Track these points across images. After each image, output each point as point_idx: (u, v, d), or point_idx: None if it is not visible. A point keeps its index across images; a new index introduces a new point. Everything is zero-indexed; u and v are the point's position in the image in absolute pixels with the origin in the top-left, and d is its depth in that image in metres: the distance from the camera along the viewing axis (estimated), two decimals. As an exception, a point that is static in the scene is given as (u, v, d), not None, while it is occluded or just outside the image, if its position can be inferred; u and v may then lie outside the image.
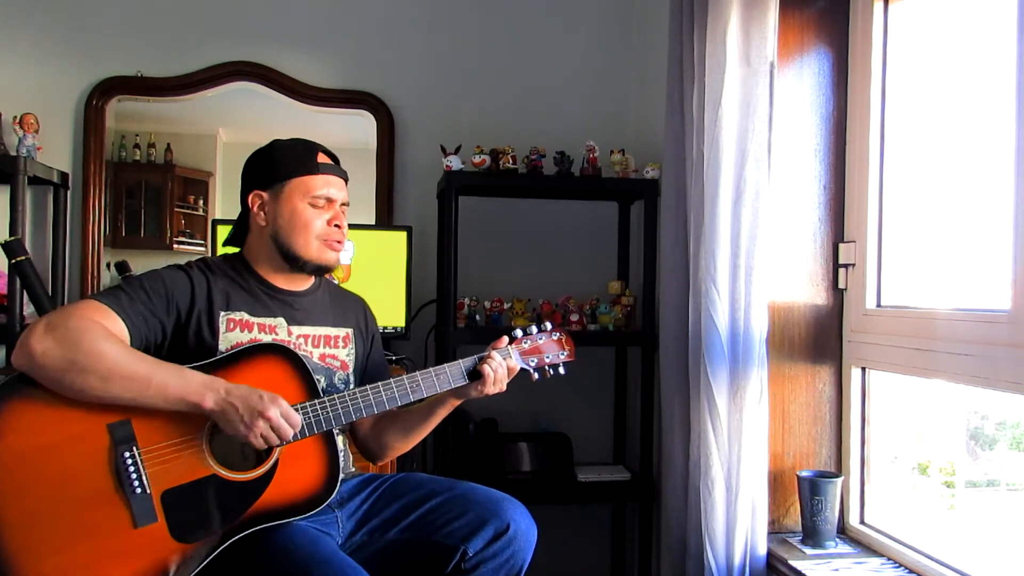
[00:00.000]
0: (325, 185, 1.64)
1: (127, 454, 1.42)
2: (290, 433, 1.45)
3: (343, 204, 1.69)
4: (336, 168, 1.69)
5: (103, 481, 1.41)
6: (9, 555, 1.35)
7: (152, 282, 1.55)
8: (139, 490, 1.41)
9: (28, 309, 2.40)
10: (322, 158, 1.67)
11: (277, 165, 1.65)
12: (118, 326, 1.45)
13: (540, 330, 1.75)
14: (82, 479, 1.40)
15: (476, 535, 1.59)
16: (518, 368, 1.70)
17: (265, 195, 1.64)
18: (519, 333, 1.73)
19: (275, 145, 1.69)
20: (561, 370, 1.76)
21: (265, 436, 1.43)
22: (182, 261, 1.66)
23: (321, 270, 1.68)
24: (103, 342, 1.39)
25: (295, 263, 1.65)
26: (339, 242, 1.67)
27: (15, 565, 1.35)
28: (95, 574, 1.39)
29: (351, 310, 1.80)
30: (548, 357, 1.74)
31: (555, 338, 1.76)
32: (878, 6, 2.06)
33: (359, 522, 1.66)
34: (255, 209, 1.65)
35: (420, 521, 1.63)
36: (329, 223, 1.65)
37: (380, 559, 1.61)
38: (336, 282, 2.03)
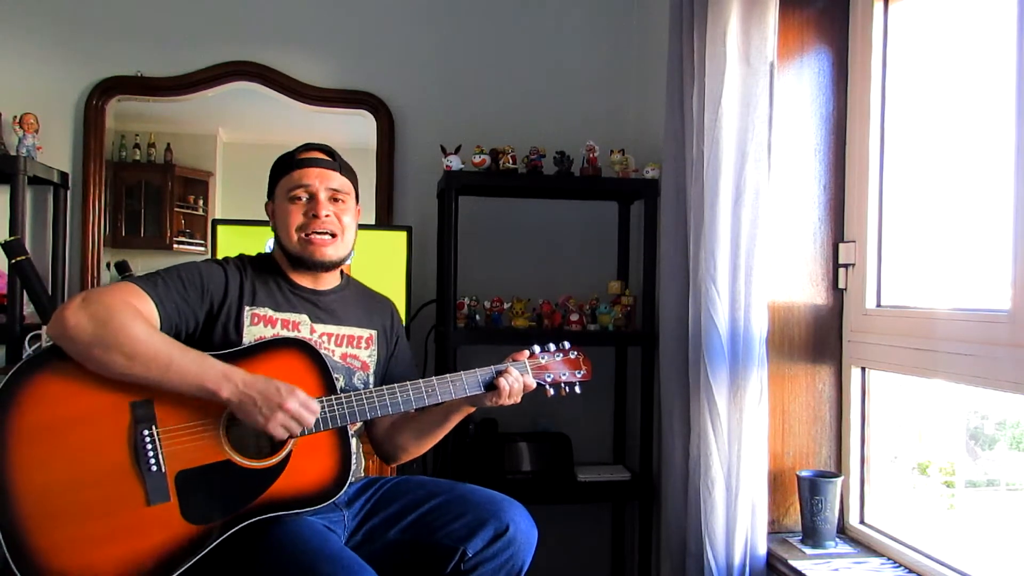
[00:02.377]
0: (300, 177, 1.67)
1: (146, 432, 1.45)
2: (311, 421, 1.49)
3: (332, 191, 1.69)
4: (317, 160, 1.70)
5: (121, 457, 1.44)
6: (23, 523, 1.38)
7: (189, 272, 1.60)
8: (155, 468, 1.45)
9: (28, 309, 2.40)
10: (304, 153, 1.71)
11: (273, 172, 1.74)
12: (151, 310, 1.50)
13: (559, 348, 1.77)
14: (101, 454, 1.44)
15: (475, 535, 1.59)
16: (534, 385, 1.72)
17: (271, 204, 1.74)
18: (537, 348, 1.75)
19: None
20: (577, 389, 1.78)
21: (285, 426, 1.47)
22: (182, 261, 1.68)
23: (316, 266, 1.69)
24: (132, 322, 1.43)
25: (294, 260, 1.70)
26: (318, 233, 1.66)
27: (28, 534, 1.38)
28: (106, 548, 1.41)
29: (377, 312, 1.82)
30: (565, 375, 1.76)
31: (572, 357, 1.78)
32: (878, 6, 2.06)
33: (360, 522, 1.68)
34: (269, 218, 1.75)
35: (420, 521, 1.64)
36: (305, 215, 1.66)
37: (380, 559, 1.61)
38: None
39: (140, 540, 1.43)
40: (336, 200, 1.70)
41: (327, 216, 1.67)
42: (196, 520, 1.46)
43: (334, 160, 1.72)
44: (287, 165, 1.70)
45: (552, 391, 1.76)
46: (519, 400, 1.69)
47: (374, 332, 1.78)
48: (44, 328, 1.47)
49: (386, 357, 1.81)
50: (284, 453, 1.53)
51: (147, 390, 1.46)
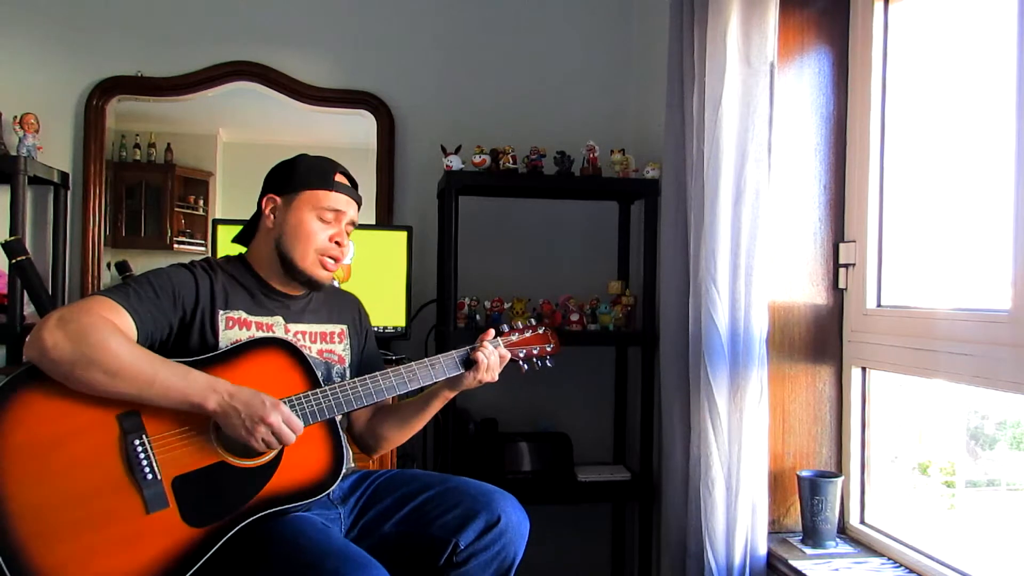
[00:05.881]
0: (336, 200, 1.69)
1: (137, 442, 1.45)
2: (292, 438, 1.50)
3: (350, 223, 1.73)
4: (351, 191, 1.74)
5: (114, 469, 1.43)
6: (22, 543, 1.37)
7: (159, 280, 1.58)
8: (150, 476, 1.44)
9: (28, 309, 2.40)
10: (340, 178, 1.72)
11: (297, 174, 1.69)
12: (127, 322, 1.48)
13: (525, 325, 1.85)
14: (93, 467, 1.43)
15: (467, 527, 1.61)
16: (508, 357, 1.78)
17: (278, 200, 1.69)
18: (505, 328, 1.82)
19: (300, 157, 1.74)
20: (548, 362, 1.85)
21: (266, 440, 1.48)
22: (182, 261, 1.69)
23: (311, 284, 1.71)
24: (112, 338, 1.42)
25: (290, 271, 1.68)
26: (335, 260, 1.71)
27: (28, 554, 1.37)
28: (109, 560, 1.41)
29: (346, 308, 1.85)
30: (535, 349, 1.83)
31: (540, 332, 1.85)
32: (878, 6, 2.06)
33: (355, 517, 1.69)
34: (267, 211, 1.69)
35: (413, 514, 1.65)
36: (331, 239, 1.69)
37: (375, 553, 1.60)
38: (336, 282, 2.05)
39: (144, 549, 1.42)
40: (348, 230, 1.75)
41: (345, 246, 1.72)
42: (198, 523, 1.46)
43: (358, 193, 1.77)
44: (324, 179, 1.68)
45: (526, 366, 1.82)
46: (496, 377, 1.74)
47: (345, 326, 1.80)
48: (24, 350, 1.44)
49: (359, 350, 1.84)
50: (277, 450, 1.54)
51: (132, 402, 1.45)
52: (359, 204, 1.77)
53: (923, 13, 2.00)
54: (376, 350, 1.91)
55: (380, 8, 2.87)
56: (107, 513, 1.42)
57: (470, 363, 1.72)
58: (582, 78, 2.97)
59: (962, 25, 1.89)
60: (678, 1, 2.13)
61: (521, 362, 1.82)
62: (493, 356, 1.72)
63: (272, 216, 1.69)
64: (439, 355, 1.72)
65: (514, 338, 1.81)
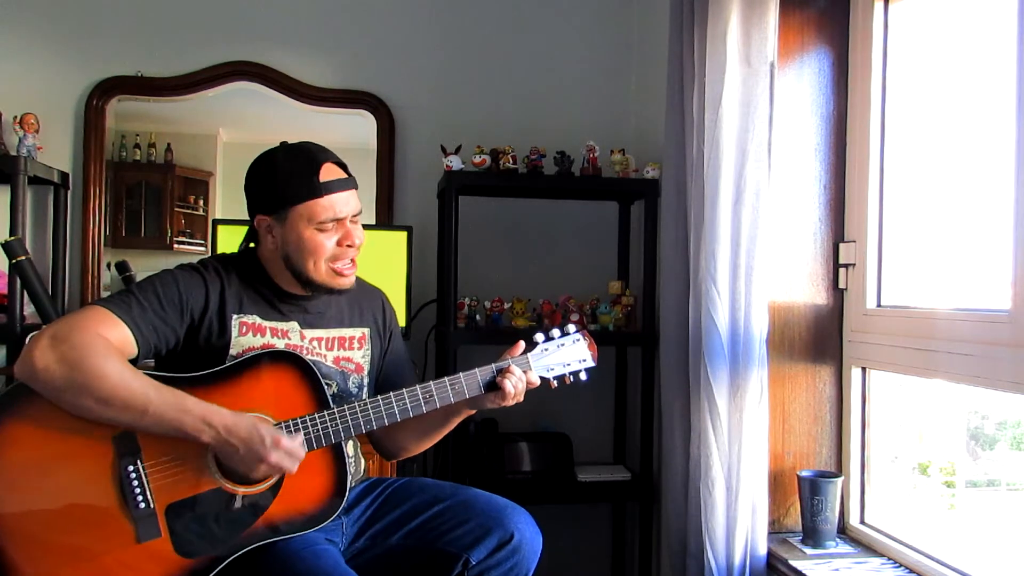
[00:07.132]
0: (331, 206, 1.53)
1: (131, 468, 1.40)
2: (294, 467, 1.44)
3: (355, 215, 1.58)
4: (342, 182, 1.56)
5: (106, 495, 1.39)
6: (11, 569, 1.34)
7: (165, 287, 1.50)
8: (143, 505, 1.40)
9: (28, 309, 2.40)
10: (325, 173, 1.54)
11: (279, 188, 1.53)
12: (125, 337, 1.41)
13: (564, 333, 1.64)
14: (85, 493, 1.39)
15: (479, 544, 1.57)
16: (538, 382, 1.61)
17: (270, 219, 1.55)
18: (540, 338, 1.63)
19: (276, 161, 1.56)
20: (583, 376, 1.66)
21: (268, 474, 1.44)
22: (184, 261, 1.62)
23: (333, 293, 1.61)
24: (105, 363, 1.35)
25: (307, 285, 1.58)
26: (352, 262, 1.59)
27: None
28: None
29: (368, 307, 1.74)
30: (570, 364, 1.64)
31: (577, 343, 1.65)
32: (878, 6, 2.06)
33: (362, 527, 1.65)
34: (263, 232, 1.57)
35: (423, 527, 1.61)
36: (340, 243, 1.56)
37: (382, 565, 1.60)
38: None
39: None
40: (355, 221, 1.59)
41: (358, 242, 1.58)
42: (190, 554, 1.41)
43: (351, 177, 1.59)
44: (309, 186, 1.51)
45: (556, 383, 1.64)
46: (521, 399, 1.59)
47: (366, 330, 1.70)
48: (14, 368, 1.39)
49: (380, 354, 1.73)
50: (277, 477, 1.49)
51: None
52: (354, 187, 1.58)
53: (923, 13, 2.00)
54: (402, 350, 1.79)
55: (380, 8, 2.87)
56: (99, 541, 1.38)
57: (494, 386, 1.56)
58: (582, 78, 2.97)
59: (962, 25, 1.89)
60: (678, 1, 2.13)
61: (552, 379, 1.63)
62: (521, 383, 1.56)
63: (270, 236, 1.56)
64: (461, 374, 1.56)
65: (548, 351, 1.62)
